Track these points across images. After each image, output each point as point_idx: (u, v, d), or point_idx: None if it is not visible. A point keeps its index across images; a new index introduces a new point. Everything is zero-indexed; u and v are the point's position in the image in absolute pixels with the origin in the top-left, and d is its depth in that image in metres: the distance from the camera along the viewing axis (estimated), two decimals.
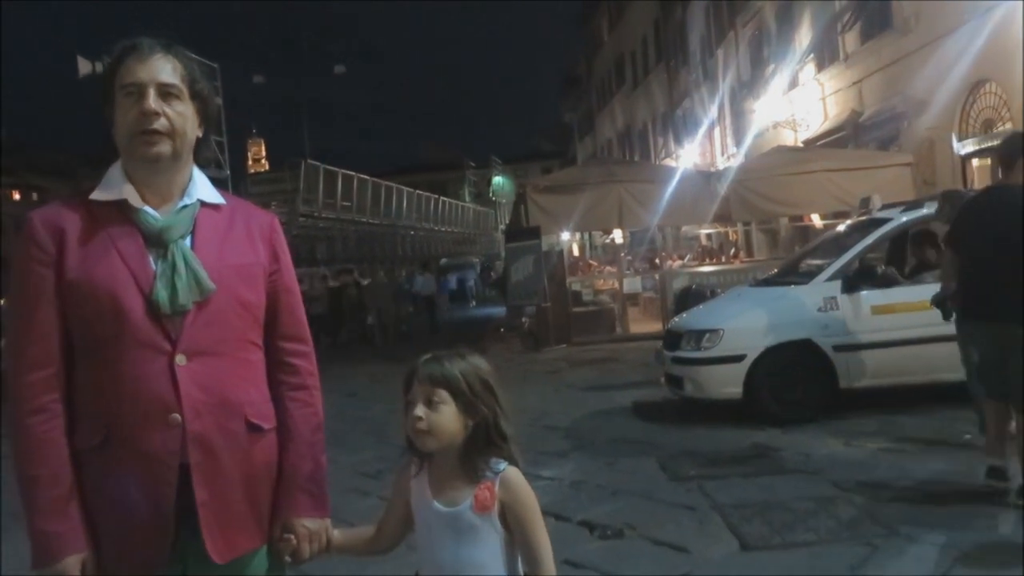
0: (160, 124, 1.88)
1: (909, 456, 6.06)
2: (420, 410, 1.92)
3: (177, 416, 1.84)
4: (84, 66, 18.50)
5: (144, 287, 1.86)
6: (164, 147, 1.90)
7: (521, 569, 1.97)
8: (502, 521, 1.93)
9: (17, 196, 38.70)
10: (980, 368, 5.04)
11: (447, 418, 1.92)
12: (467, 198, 70.61)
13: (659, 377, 8.48)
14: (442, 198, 51.51)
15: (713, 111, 27.03)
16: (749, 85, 23.12)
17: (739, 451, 6.58)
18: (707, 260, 18.23)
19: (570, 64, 56.65)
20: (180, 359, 1.86)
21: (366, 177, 35.54)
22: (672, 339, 8.16)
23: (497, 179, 73.66)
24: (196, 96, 1.96)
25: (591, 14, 46.35)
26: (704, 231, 21.07)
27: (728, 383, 7.54)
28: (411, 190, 43.01)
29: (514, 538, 1.94)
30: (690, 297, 12.89)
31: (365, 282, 22.20)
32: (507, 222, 29.72)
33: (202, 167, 2.06)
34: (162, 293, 1.86)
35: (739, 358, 7.50)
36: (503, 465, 1.95)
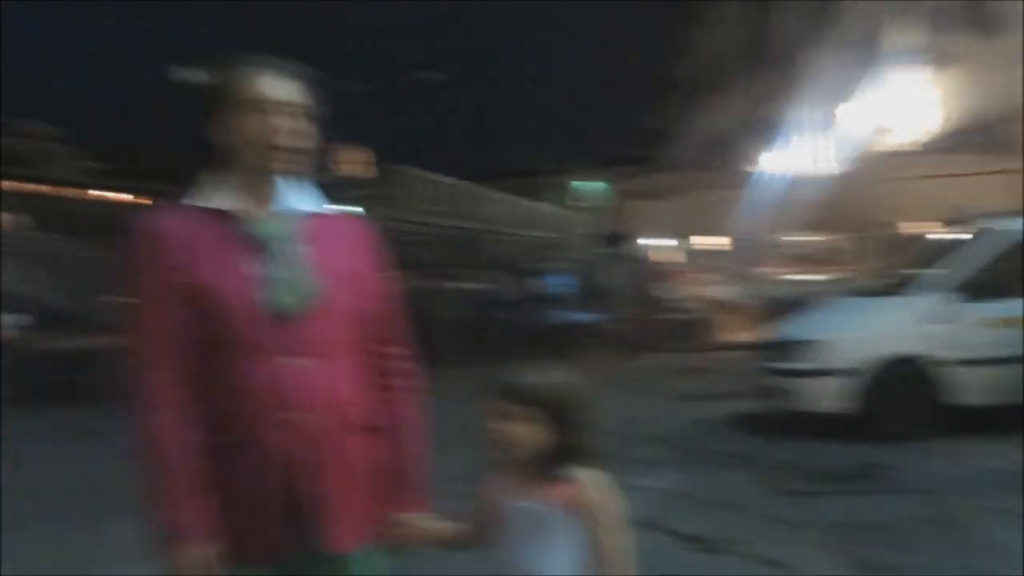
0: (303, 143, 2.03)
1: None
2: (495, 423, 1.97)
3: (289, 416, 1.92)
4: (187, 74, 19.17)
5: (255, 292, 1.94)
6: (302, 165, 2.05)
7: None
8: (581, 522, 1.94)
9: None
10: None
11: (522, 433, 1.95)
12: (559, 202, 70.49)
13: (757, 387, 8.32)
14: (534, 202, 51.56)
15: (811, 115, 26.37)
16: (850, 88, 22.49)
17: (846, 467, 6.39)
18: (809, 268, 17.85)
19: (661, 66, 56.06)
20: (291, 361, 1.93)
21: (460, 181, 35.91)
22: (774, 349, 8.00)
23: (588, 184, 73.44)
24: (313, 117, 2.09)
25: (683, 15, 45.71)
26: (805, 238, 20.66)
27: (831, 396, 7.34)
28: (503, 195, 43.21)
29: (590, 540, 1.94)
30: (791, 306, 12.65)
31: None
32: (599, 228, 29.63)
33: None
34: (273, 297, 1.94)
35: (843, 371, 7.30)
36: (585, 469, 1.97)
